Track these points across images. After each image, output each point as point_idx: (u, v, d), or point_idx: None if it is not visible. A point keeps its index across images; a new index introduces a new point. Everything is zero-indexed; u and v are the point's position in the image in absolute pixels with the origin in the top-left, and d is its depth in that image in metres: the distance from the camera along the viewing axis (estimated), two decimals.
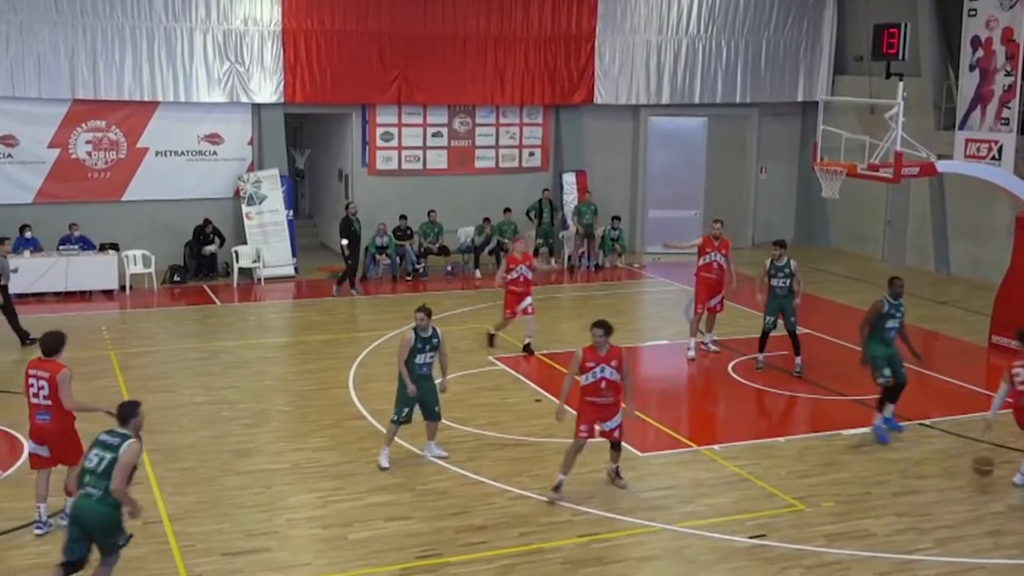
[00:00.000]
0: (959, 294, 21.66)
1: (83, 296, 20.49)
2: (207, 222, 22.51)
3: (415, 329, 11.74)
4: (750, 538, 10.27)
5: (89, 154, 22.32)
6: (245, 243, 22.68)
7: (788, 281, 15.50)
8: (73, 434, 10.22)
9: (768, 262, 15.72)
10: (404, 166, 24.84)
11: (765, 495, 11.35)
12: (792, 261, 15.58)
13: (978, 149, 19.40)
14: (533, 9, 24.62)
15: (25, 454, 11.39)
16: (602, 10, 25.03)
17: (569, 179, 25.38)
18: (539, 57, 24.85)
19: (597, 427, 11.09)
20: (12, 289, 17.34)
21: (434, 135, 25.01)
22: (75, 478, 10.11)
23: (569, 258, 24.24)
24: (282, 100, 23.25)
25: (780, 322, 15.68)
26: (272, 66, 22.94)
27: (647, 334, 18.81)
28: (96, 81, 21.77)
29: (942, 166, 17.51)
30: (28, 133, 21.78)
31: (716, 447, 12.81)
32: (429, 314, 11.76)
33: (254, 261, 22.44)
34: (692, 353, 16.67)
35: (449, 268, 23.36)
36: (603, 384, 10.86)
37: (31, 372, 10.10)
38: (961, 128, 20.02)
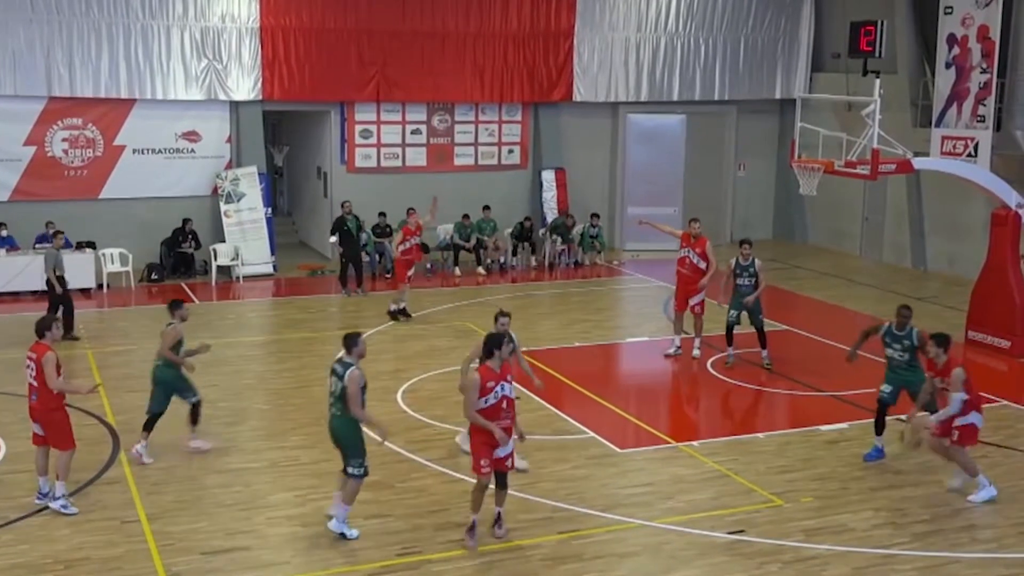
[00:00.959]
0: (936, 290, 21.77)
1: None
2: (186, 222, 22.42)
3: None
4: (729, 534, 10.31)
5: (65, 152, 22.16)
6: (223, 241, 22.57)
7: (753, 280, 15.64)
8: (60, 418, 10.53)
9: (733, 261, 15.84)
10: (383, 163, 24.78)
11: (744, 491, 11.39)
12: (757, 260, 15.70)
13: (954, 146, 19.50)
14: (512, 6, 24.59)
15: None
16: (580, 7, 25.03)
17: (548, 176, 25.39)
18: (518, 54, 24.83)
19: (488, 459, 9.94)
20: None
21: (413, 132, 24.96)
22: (64, 464, 10.20)
23: (548, 255, 24.24)
24: (260, 97, 23.15)
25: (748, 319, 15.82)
26: (250, 63, 22.84)
27: (626, 331, 18.82)
28: (72, 78, 21.63)
29: (919, 163, 17.63)
30: (3, 131, 21.58)
31: (695, 443, 12.85)
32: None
33: (232, 259, 22.34)
34: (673, 350, 16.70)
35: (428, 266, 23.32)
36: (504, 404, 9.92)
37: (28, 355, 10.54)
38: (938, 125, 20.12)
